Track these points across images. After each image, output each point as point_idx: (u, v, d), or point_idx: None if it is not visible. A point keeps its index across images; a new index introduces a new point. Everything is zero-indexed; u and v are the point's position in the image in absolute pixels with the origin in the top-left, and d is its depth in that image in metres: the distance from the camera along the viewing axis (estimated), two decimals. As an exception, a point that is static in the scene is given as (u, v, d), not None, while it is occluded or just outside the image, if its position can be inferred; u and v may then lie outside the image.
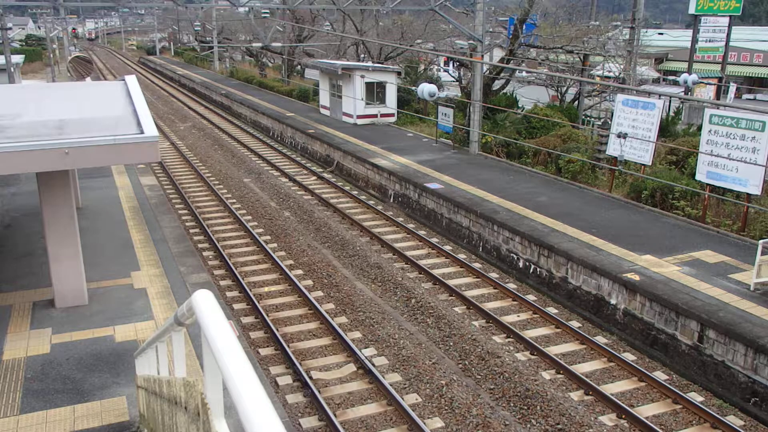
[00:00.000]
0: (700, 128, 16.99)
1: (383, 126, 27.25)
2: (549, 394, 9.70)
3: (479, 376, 10.25)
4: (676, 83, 30.70)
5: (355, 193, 20.77)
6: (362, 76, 26.60)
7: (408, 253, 15.19)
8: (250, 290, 13.11)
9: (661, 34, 45.61)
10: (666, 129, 21.67)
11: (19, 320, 9.80)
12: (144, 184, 18.40)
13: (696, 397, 9.75)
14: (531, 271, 13.78)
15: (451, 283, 13.59)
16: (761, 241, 10.90)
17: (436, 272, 14.09)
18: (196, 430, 3.16)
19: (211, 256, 15.25)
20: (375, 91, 27.40)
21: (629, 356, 10.92)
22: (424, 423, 8.84)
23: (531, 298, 13.11)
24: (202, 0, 47.78)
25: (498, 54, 32.23)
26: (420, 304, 12.78)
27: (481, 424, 9.01)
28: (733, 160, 13.47)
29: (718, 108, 15.24)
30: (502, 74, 27.22)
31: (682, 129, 23.33)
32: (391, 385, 9.73)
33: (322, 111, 30.97)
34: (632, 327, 11.34)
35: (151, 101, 44.17)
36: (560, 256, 12.90)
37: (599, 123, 22.91)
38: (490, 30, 27.35)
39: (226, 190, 21.30)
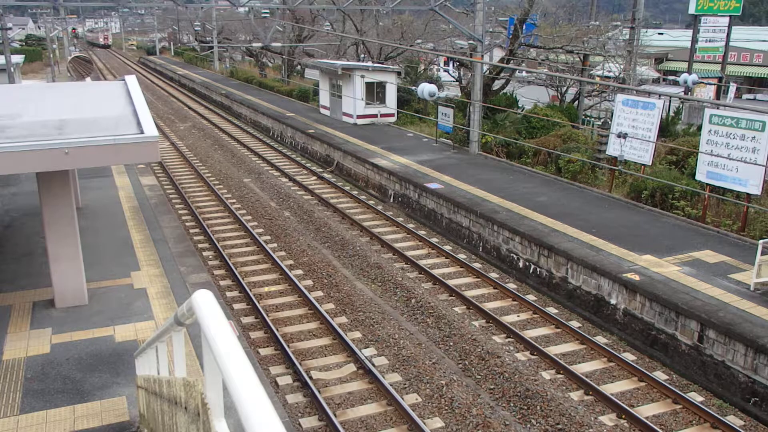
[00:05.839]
0: (700, 128, 16.99)
1: (383, 126, 27.24)
2: (549, 394, 9.70)
3: (479, 376, 10.25)
4: (676, 83, 30.71)
5: (355, 193, 20.77)
6: (362, 76, 26.59)
7: (408, 253, 15.19)
8: (250, 290, 13.10)
9: (661, 34, 45.61)
10: (666, 129, 21.69)
11: (19, 320, 9.80)
12: (144, 184, 18.40)
13: (696, 397, 9.75)
14: (531, 271, 13.78)
15: (451, 283, 13.59)
16: (761, 241, 10.90)
17: (436, 272, 14.09)
18: (196, 430, 3.16)
19: (211, 256, 15.25)
20: (375, 91, 27.38)
21: (629, 356, 10.92)
22: (424, 423, 8.84)
23: (531, 298, 13.11)
24: (202, 0, 47.78)
25: (498, 54, 32.23)
26: (420, 304, 12.78)
27: (481, 424, 9.01)
28: (733, 160, 13.47)
29: (718, 108, 15.24)
30: (502, 74, 27.21)
31: (682, 129, 23.35)
32: (391, 385, 9.73)
33: (322, 111, 30.96)
34: (632, 327, 11.34)
35: (151, 101, 44.16)
36: (560, 256, 12.90)
37: (599, 123, 22.91)
38: (490, 30, 27.36)
39: (226, 190, 21.30)
